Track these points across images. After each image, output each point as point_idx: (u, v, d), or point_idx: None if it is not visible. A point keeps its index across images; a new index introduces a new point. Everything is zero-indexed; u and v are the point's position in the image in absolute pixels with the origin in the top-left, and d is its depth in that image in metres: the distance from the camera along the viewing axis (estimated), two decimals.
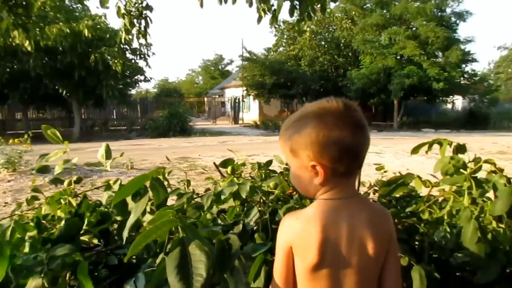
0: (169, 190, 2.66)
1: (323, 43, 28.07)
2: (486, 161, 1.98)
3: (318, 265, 0.91)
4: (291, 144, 0.98)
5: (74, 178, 2.13)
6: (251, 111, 31.09)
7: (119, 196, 1.48)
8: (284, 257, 0.96)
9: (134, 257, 1.89)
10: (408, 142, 12.27)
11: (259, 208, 1.98)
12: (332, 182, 0.96)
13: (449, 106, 28.26)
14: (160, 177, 1.60)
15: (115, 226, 1.97)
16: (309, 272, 0.93)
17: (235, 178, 2.49)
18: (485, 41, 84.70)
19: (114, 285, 1.80)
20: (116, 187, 2.14)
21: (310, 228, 0.93)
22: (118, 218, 1.82)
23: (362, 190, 2.73)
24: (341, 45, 27.24)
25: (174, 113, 18.81)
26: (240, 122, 30.02)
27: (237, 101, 30.53)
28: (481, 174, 2.04)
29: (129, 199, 1.64)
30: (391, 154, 9.41)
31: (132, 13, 3.86)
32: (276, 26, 29.02)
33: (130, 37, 3.88)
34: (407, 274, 1.65)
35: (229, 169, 2.49)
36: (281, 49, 30.54)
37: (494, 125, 23.45)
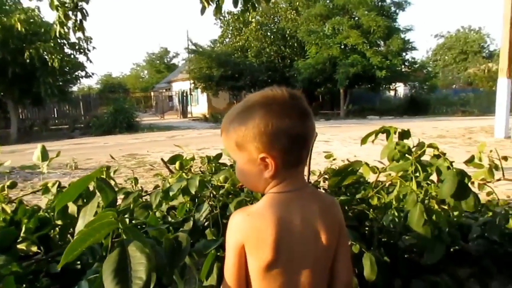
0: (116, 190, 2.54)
1: (269, 34, 28.20)
2: (429, 146, 2.05)
3: (273, 263, 0.88)
4: (236, 138, 0.92)
5: (8, 183, 1.98)
6: (200, 105, 30.76)
7: (62, 200, 1.38)
8: (236, 256, 0.90)
9: (78, 262, 1.79)
10: (355, 130, 12.67)
11: (210, 203, 1.93)
12: (283, 174, 0.92)
13: (392, 93, 29.46)
14: (105, 176, 1.51)
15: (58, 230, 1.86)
16: (263, 270, 0.89)
17: (184, 174, 2.42)
18: (423, 30, 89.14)
19: None
20: (54, 190, 2.00)
21: (263, 225, 0.88)
22: (59, 222, 1.72)
23: (313, 178, 2.75)
24: (287, 35, 27.51)
25: (119, 109, 18.18)
26: (189, 116, 29.63)
27: (184, 94, 30.06)
28: (425, 158, 2.11)
29: (69, 202, 1.54)
30: (339, 142, 9.65)
31: (66, 5, 3.63)
32: (221, 17, 28.81)
33: (66, 30, 3.65)
34: (359, 260, 1.67)
35: (177, 164, 2.42)
36: (227, 40, 30.35)
37: (433, 110, 24.73)
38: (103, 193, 1.28)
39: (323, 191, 2.38)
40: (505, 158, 2.68)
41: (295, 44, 27.42)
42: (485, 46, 39.45)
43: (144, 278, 0.83)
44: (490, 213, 2.52)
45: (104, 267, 0.83)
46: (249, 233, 0.88)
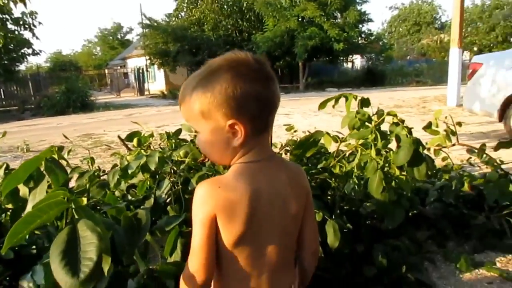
0: (70, 170, 2.42)
1: (225, 6, 27.63)
2: (388, 114, 2.07)
3: (244, 235, 0.84)
4: (200, 106, 0.85)
5: None
6: (157, 81, 29.97)
7: (10, 184, 1.29)
8: (207, 229, 0.84)
9: (34, 247, 1.70)
10: (314, 102, 12.78)
11: (171, 179, 1.88)
12: (251, 143, 0.87)
13: (350, 65, 29.87)
14: (55, 156, 1.42)
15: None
16: (233, 242, 0.85)
17: (142, 151, 2.34)
18: (378, 1, 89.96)
19: (13, 281, 1.60)
20: (1, 173, 1.88)
21: (236, 197, 0.83)
22: (10, 206, 1.62)
23: (275, 151, 2.74)
24: (244, 8, 27.05)
25: (72, 88, 17.35)
26: (146, 93, 28.85)
27: (141, 71, 29.14)
28: (384, 127, 2.14)
29: (21, 185, 1.45)
30: (299, 115, 9.72)
31: None
32: None
33: (5, 1, 3.38)
34: (322, 228, 1.69)
35: (135, 141, 2.33)
36: (182, 14, 29.47)
37: (389, 81, 25.34)
38: (53, 174, 1.20)
39: None
40: (459, 124, 2.77)
41: (253, 17, 27.03)
42: (437, 17, 40.52)
43: (95, 259, 0.78)
44: (447, 177, 2.61)
45: (52, 248, 0.78)
46: (222, 205, 0.83)
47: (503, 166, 2.80)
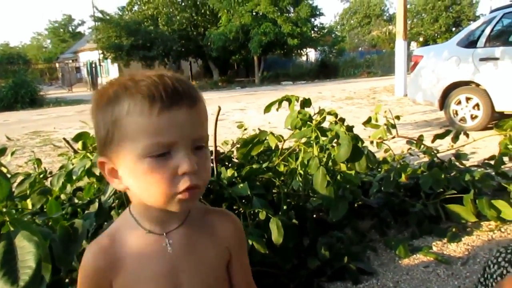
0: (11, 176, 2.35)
1: (179, 1, 27.21)
2: (329, 113, 2.17)
3: None
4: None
5: None
6: (111, 76, 29.14)
7: None
8: None
9: None
10: (270, 96, 12.91)
11: None
12: None
13: (304, 58, 30.31)
14: None
15: None
16: None
17: (88, 153, 2.31)
18: None
19: None
20: None
21: None
22: None
23: (226, 148, 2.78)
24: (198, 3, 26.75)
25: (20, 82, 16.53)
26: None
27: (93, 65, 28.25)
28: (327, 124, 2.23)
29: None
30: (255, 110, 9.79)
31: None
32: None
33: None
34: (266, 226, 1.75)
35: (80, 144, 2.29)
36: (136, 8, 28.74)
37: (342, 73, 25.98)
38: None
39: (236, 161, 2.42)
40: (398, 117, 2.93)
41: (208, 12, 26.79)
42: (385, 10, 41.84)
43: (34, 266, 0.82)
44: (386, 168, 2.76)
45: None
46: None
47: (442, 155, 2.99)
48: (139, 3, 28.27)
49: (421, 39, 33.51)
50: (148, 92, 0.62)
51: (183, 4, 26.87)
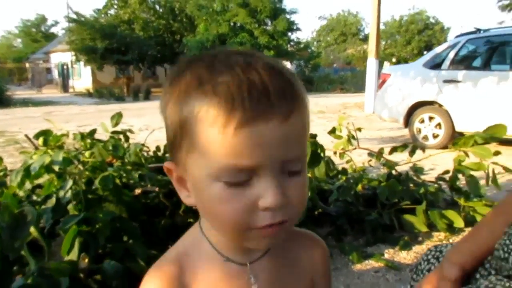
0: None
1: (157, 6, 27.15)
2: None
3: None
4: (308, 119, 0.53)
5: None
6: (83, 78, 28.64)
7: None
8: None
9: None
10: None
11: (75, 179, 1.88)
12: None
13: None
14: None
15: None
16: None
17: (49, 150, 2.30)
18: (309, 11, 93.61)
19: None
20: None
21: None
22: None
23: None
24: (176, 9, 26.78)
25: None
26: (71, 90, 27.48)
27: (65, 67, 27.70)
28: None
29: None
30: None
31: None
32: None
33: None
34: None
35: (40, 140, 2.28)
36: (112, 11, 28.49)
37: (316, 87, 26.40)
38: None
39: None
40: (359, 129, 3.04)
41: (185, 19, 26.84)
42: (361, 29, 42.90)
43: None
44: (344, 178, 2.85)
45: None
46: None
47: (401, 168, 3.12)
48: (115, 6, 28.05)
49: (394, 59, 34.52)
50: (225, 95, 0.45)
51: (160, 10, 26.83)
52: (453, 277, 0.89)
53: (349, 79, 27.55)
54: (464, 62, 6.01)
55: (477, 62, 6.12)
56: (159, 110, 0.54)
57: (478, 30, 5.86)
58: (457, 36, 6.27)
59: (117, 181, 1.89)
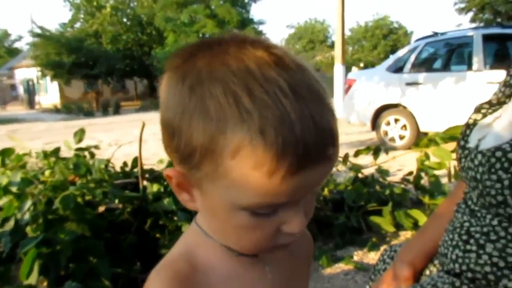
0: None
1: (125, 20, 26.92)
2: None
3: None
4: None
5: None
6: (50, 94, 28.00)
7: None
8: None
9: None
10: None
11: (35, 199, 1.83)
12: None
13: None
14: None
15: None
16: None
17: (7, 171, 2.24)
18: (278, 20, 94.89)
19: None
20: None
21: None
22: None
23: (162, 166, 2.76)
24: (144, 22, 26.63)
25: None
26: (37, 106, 26.80)
27: (31, 83, 27.01)
28: None
29: None
30: None
31: None
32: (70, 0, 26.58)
33: None
34: None
35: None
36: (78, 25, 28.05)
37: None
38: None
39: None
40: None
41: (153, 32, 26.70)
42: (328, 36, 43.67)
43: None
44: None
45: None
46: None
47: (369, 171, 3.18)
48: (81, 20, 27.66)
49: (361, 64, 35.29)
50: (276, 139, 0.38)
51: (128, 23, 26.61)
52: (405, 275, 0.92)
53: None
54: (424, 64, 6.22)
55: (437, 64, 6.34)
56: (159, 101, 0.46)
57: (436, 34, 6.07)
58: (416, 40, 6.48)
59: (79, 199, 1.86)
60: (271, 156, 0.38)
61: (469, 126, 0.81)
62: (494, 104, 0.81)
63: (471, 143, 0.78)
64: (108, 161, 2.63)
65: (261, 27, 25.57)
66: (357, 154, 2.89)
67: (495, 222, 0.70)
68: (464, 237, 0.75)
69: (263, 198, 0.41)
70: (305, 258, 0.64)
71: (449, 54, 6.24)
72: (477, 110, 0.82)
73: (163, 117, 0.45)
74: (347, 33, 36.96)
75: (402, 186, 3.10)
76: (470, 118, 0.83)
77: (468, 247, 0.74)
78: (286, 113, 0.38)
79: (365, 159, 3.61)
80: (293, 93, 0.39)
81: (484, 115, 0.80)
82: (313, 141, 0.39)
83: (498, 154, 0.67)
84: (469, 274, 0.72)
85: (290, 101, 0.39)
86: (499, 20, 20.71)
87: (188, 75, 0.42)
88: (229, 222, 0.46)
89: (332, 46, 41.62)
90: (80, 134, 2.59)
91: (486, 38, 5.42)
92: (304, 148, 0.39)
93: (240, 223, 0.45)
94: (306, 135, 0.39)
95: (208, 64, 0.41)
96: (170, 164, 2.59)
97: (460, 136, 0.82)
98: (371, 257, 2.39)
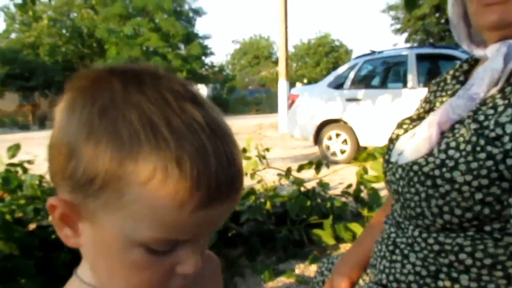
0: None
1: (64, 31, 25.92)
2: None
3: None
4: None
5: None
6: None
7: None
8: None
9: None
10: None
11: None
12: None
13: None
14: None
15: None
16: None
17: None
18: (224, 35, 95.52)
19: None
20: None
21: None
22: None
23: None
24: (84, 34, 25.79)
25: None
26: None
27: None
28: None
29: None
30: None
31: None
32: (4, 9, 25.22)
33: None
34: None
35: None
36: (13, 36, 26.63)
37: (233, 109, 26.81)
38: None
39: None
40: (268, 149, 3.13)
41: (94, 44, 25.92)
42: (273, 52, 44.65)
43: None
44: (253, 198, 2.91)
45: None
46: None
47: (312, 184, 3.24)
48: (17, 31, 26.33)
49: (305, 80, 36.36)
50: (191, 172, 0.38)
51: (68, 34, 25.66)
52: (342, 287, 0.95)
53: (265, 100, 28.37)
54: (363, 81, 6.52)
55: (375, 81, 6.66)
56: (54, 123, 0.44)
57: (374, 52, 6.39)
58: (355, 58, 6.79)
59: (8, 217, 1.75)
60: (184, 187, 0.37)
61: (392, 141, 0.85)
62: (415, 120, 0.86)
63: (393, 158, 0.82)
64: (42, 176, 2.50)
65: (206, 42, 25.73)
66: (300, 169, 2.95)
67: (416, 233, 0.74)
68: (391, 248, 0.79)
69: (167, 232, 0.40)
70: (212, 283, 0.61)
71: (386, 72, 6.58)
72: (399, 125, 0.88)
73: (58, 140, 0.42)
74: (291, 49, 38.10)
75: (343, 199, 3.19)
76: (393, 133, 0.88)
77: (394, 257, 0.77)
78: (203, 146, 0.38)
79: (307, 173, 3.68)
80: (209, 128, 0.40)
81: (406, 130, 0.85)
82: (225, 177, 0.40)
83: (415, 168, 0.71)
84: (395, 285, 0.75)
85: (207, 136, 0.39)
86: (431, 40, 22.20)
87: (100, 97, 0.40)
88: (119, 260, 0.42)
89: (276, 62, 42.45)
90: (14, 150, 2.45)
91: (420, 57, 5.79)
92: (217, 183, 0.39)
93: (133, 260, 0.41)
94: (219, 170, 0.39)
95: (123, 89, 0.40)
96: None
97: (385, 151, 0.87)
98: (312, 270, 2.43)
